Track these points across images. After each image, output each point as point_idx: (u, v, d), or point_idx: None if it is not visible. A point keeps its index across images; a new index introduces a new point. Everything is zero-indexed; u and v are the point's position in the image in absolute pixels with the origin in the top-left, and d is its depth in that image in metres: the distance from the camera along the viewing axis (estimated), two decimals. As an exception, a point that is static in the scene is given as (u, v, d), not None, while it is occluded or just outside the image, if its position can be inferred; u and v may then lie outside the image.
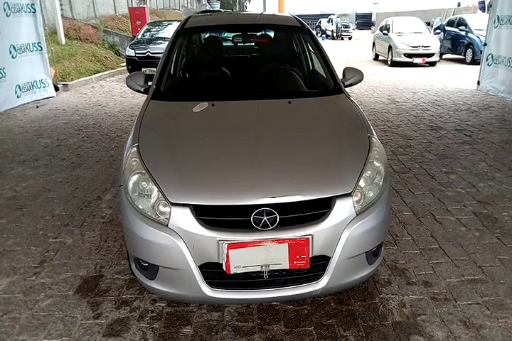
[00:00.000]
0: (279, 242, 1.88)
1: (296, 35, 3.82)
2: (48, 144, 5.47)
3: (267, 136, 2.34)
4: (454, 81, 10.52)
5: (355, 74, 3.16)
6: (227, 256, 1.87)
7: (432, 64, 13.85)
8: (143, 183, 2.05)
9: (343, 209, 1.98)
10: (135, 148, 2.23)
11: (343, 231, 1.97)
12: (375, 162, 2.20)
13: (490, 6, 9.05)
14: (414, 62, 13.50)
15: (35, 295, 2.46)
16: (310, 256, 1.93)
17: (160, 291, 2.09)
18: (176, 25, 11.64)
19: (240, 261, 1.89)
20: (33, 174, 4.40)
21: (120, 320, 2.25)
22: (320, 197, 1.96)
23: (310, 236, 1.91)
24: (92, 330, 2.18)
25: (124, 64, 12.16)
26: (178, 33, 3.36)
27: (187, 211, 1.91)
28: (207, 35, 4.18)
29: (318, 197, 1.96)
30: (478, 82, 9.32)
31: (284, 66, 3.50)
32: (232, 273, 1.91)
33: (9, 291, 2.49)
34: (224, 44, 4.16)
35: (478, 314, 2.31)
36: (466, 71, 12.24)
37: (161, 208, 1.97)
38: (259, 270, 1.93)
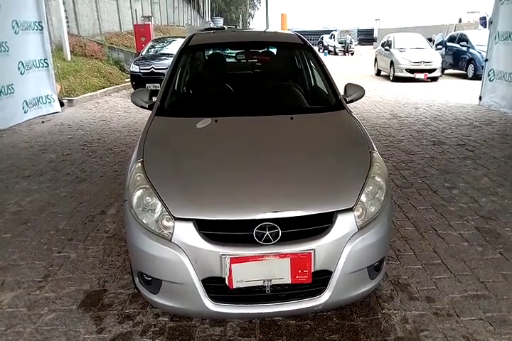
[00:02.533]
0: (281, 257, 1.90)
1: (298, 52, 3.90)
2: (53, 159, 5.53)
3: (269, 152, 2.38)
4: (456, 96, 10.58)
5: (356, 91, 3.22)
6: (230, 271, 1.89)
7: (434, 79, 13.97)
8: (147, 198, 2.08)
9: (344, 224, 2.00)
10: (139, 164, 2.28)
11: (344, 245, 1.99)
12: (376, 177, 2.23)
13: (491, 22, 9.16)
14: (416, 77, 13.62)
15: (39, 309, 2.47)
16: (312, 270, 1.95)
17: (163, 305, 2.10)
18: (179, 41, 11.92)
19: (243, 276, 1.91)
20: (37, 189, 4.44)
21: (123, 335, 2.26)
22: (322, 212, 1.99)
23: (312, 251, 1.92)
24: (95, 345, 2.19)
25: (129, 80, 12.31)
26: (182, 51, 3.44)
27: (190, 225, 1.94)
28: (210, 52, 4.26)
29: (320, 212, 1.99)
30: (480, 97, 9.36)
31: (286, 82, 3.57)
32: (234, 287, 1.93)
33: (13, 305, 2.51)
34: (227, 60, 4.24)
35: (481, 330, 2.30)
36: (468, 86, 12.30)
37: (165, 223, 2.00)
38: (262, 284, 1.95)
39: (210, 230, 1.95)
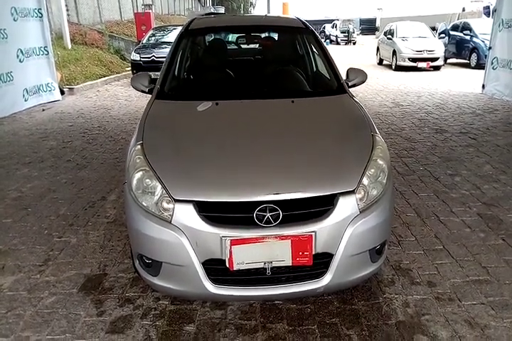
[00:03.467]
0: (282, 239, 1.89)
1: (300, 37, 3.84)
2: (54, 146, 5.51)
3: (270, 135, 2.36)
4: (459, 85, 10.49)
5: (358, 75, 3.17)
6: (230, 253, 1.87)
7: (437, 68, 13.82)
8: (147, 180, 2.06)
9: (346, 207, 1.98)
10: (139, 146, 2.25)
11: (346, 228, 1.97)
12: (378, 160, 2.21)
13: (495, 10, 9.04)
14: (419, 66, 13.48)
15: (39, 292, 2.47)
16: (313, 253, 1.93)
17: (163, 288, 2.09)
18: (180, 29, 11.78)
19: (243, 258, 1.90)
20: (38, 175, 4.43)
21: (123, 318, 2.26)
22: (323, 194, 1.97)
23: (313, 233, 1.91)
24: (96, 327, 2.18)
25: (129, 68, 12.24)
26: (182, 35, 3.39)
27: (190, 207, 1.92)
28: (211, 37, 4.21)
29: (321, 194, 1.96)
30: (483, 86, 9.27)
31: (288, 67, 3.52)
32: (235, 269, 1.92)
33: (14, 289, 2.50)
34: (228, 48, 4.18)
35: (483, 314, 2.29)
36: (471, 75, 12.18)
37: (165, 205, 1.98)
38: (262, 266, 1.93)
39: (211, 212, 1.93)
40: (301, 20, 3.59)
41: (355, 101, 2.87)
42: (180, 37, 3.37)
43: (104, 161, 4.90)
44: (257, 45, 3.98)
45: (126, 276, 2.62)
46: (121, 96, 9.47)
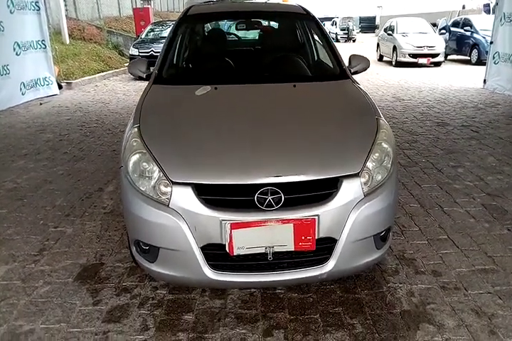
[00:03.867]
0: (284, 222, 1.82)
1: (302, 23, 3.76)
2: (51, 139, 5.44)
3: (271, 118, 2.28)
4: (460, 80, 10.43)
5: (360, 62, 3.10)
6: (230, 237, 1.80)
7: (437, 64, 13.73)
8: (143, 163, 1.99)
9: (350, 190, 1.91)
10: (136, 129, 2.18)
11: (350, 212, 1.90)
12: (383, 143, 2.14)
13: (497, 3, 8.96)
14: (419, 62, 13.40)
15: (33, 282, 2.40)
16: (316, 237, 1.86)
17: (160, 274, 2.02)
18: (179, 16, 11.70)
19: (244, 242, 1.83)
20: (34, 167, 4.36)
21: (120, 307, 2.19)
22: (326, 177, 1.90)
23: (316, 217, 1.84)
24: (92, 316, 2.12)
25: (128, 63, 12.15)
26: (180, 20, 3.32)
27: (188, 190, 1.85)
28: (210, 26, 4.14)
29: (324, 177, 1.90)
30: (485, 81, 9.21)
31: (290, 53, 3.44)
32: (235, 254, 1.85)
33: (7, 278, 2.43)
34: (228, 38, 4.10)
35: (490, 303, 2.23)
36: (472, 71, 12.09)
37: (162, 188, 1.91)
38: (264, 251, 1.86)
39: (210, 195, 1.86)
40: (302, 7, 3.52)
41: (358, 86, 2.80)
42: (179, 23, 3.30)
43: (102, 153, 4.82)
44: (258, 31, 3.90)
45: (123, 266, 2.55)
46: (120, 91, 9.39)
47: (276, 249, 1.86)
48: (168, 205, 1.88)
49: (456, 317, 2.13)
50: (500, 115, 6.66)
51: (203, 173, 1.89)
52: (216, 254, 1.90)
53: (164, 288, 2.33)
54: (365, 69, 3.14)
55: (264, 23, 3.89)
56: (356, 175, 1.95)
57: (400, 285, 2.39)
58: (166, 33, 11.86)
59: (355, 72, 3.06)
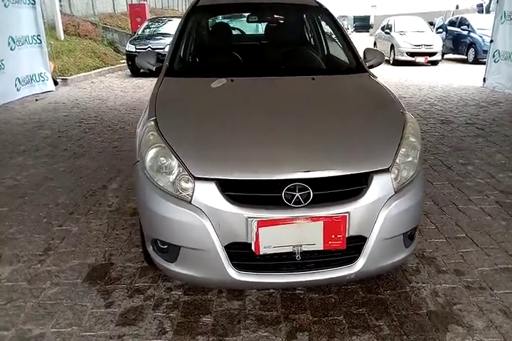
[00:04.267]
0: (314, 220, 1.72)
1: (315, 16, 3.66)
2: (49, 135, 5.30)
3: (294, 111, 2.18)
4: (458, 79, 10.39)
5: (376, 56, 3.00)
6: (257, 235, 1.70)
7: (434, 63, 13.70)
8: (161, 158, 1.88)
9: (381, 186, 1.82)
10: (152, 122, 2.06)
11: (380, 209, 1.81)
12: (410, 138, 2.05)
13: (497, 1, 8.92)
14: (417, 61, 13.35)
15: (40, 283, 2.28)
16: (346, 235, 1.77)
17: (180, 275, 1.91)
18: (176, 21, 11.57)
19: (271, 241, 1.72)
20: (34, 164, 4.22)
21: (134, 309, 2.08)
22: (357, 173, 1.81)
23: (347, 214, 1.74)
24: (105, 319, 2.00)
25: (124, 61, 12.01)
26: (190, 11, 3.20)
27: (212, 186, 1.75)
28: (219, 19, 4.02)
29: (355, 172, 1.80)
30: (484, 79, 9.16)
31: (304, 45, 3.34)
32: (261, 253, 1.74)
33: (13, 279, 2.31)
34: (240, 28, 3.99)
35: (518, 303, 2.15)
36: (469, 70, 12.10)
37: (183, 184, 1.80)
38: (291, 251, 1.76)
39: (235, 191, 1.76)
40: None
41: (378, 80, 2.72)
42: (188, 14, 3.18)
43: (103, 150, 4.69)
44: (271, 23, 3.78)
45: (134, 266, 2.44)
46: (117, 88, 9.23)
47: (304, 248, 1.76)
48: (190, 202, 1.77)
49: (484, 318, 2.05)
50: (503, 113, 6.62)
51: (227, 168, 1.78)
52: (241, 253, 1.80)
53: (179, 289, 2.23)
54: (380, 64, 3.05)
55: (276, 15, 3.77)
56: (387, 171, 1.85)
57: (423, 285, 2.31)
58: (162, 29, 11.73)
59: (371, 66, 2.97)
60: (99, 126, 5.81)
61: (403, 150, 1.97)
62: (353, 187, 1.81)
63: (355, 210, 1.76)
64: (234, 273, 1.79)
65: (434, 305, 2.15)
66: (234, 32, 3.65)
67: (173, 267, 1.90)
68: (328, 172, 1.77)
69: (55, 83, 8.75)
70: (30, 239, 2.74)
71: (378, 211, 1.81)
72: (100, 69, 11.39)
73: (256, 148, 1.88)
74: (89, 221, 3.00)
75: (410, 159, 1.99)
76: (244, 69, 2.79)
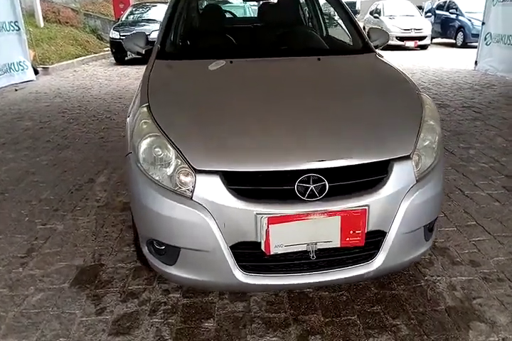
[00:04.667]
0: (330, 215, 1.53)
1: None
2: (30, 127, 5.02)
3: (303, 94, 1.98)
4: (449, 62, 10.33)
5: (380, 36, 2.81)
6: (267, 233, 1.51)
7: (424, 47, 13.65)
8: (156, 149, 1.66)
9: (402, 175, 1.64)
10: (145, 109, 1.84)
11: (402, 200, 1.63)
12: (430, 121, 1.87)
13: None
14: (406, 45, 13.25)
15: (23, 289, 2.07)
16: (366, 230, 1.59)
17: (181, 278, 1.72)
18: (160, 7, 11.18)
19: (283, 239, 1.54)
20: (14, 157, 3.96)
21: (128, 315, 1.88)
22: (377, 161, 1.62)
23: (366, 207, 1.56)
24: (96, 328, 1.81)
25: (108, 48, 11.64)
26: None
27: (216, 179, 1.55)
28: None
29: (375, 160, 1.62)
30: (476, 62, 9.08)
31: (307, 25, 3.13)
32: (272, 253, 1.56)
33: (-8, 285, 2.10)
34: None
35: (541, 295, 2.01)
36: (459, 54, 12.02)
37: (182, 178, 1.60)
38: (305, 249, 1.58)
39: (241, 184, 1.56)
40: None
41: (387, 60, 2.53)
42: None
43: (89, 141, 4.45)
44: (265, 4, 3.54)
45: (126, 266, 2.24)
46: (101, 76, 8.89)
47: (320, 246, 1.58)
48: (191, 198, 1.57)
49: (507, 313, 1.91)
50: (498, 96, 6.55)
51: (232, 159, 1.58)
52: (248, 254, 1.62)
53: (177, 291, 2.04)
54: (385, 44, 2.87)
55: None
56: (408, 158, 1.67)
57: (439, 278, 2.16)
58: (147, 15, 11.35)
59: (376, 47, 2.77)
60: (83, 116, 5.54)
61: (423, 134, 1.78)
62: (373, 176, 1.63)
63: (375, 202, 1.58)
64: (241, 276, 1.60)
65: (452, 299, 2.00)
66: (229, 11, 3.39)
67: (173, 270, 1.70)
68: (345, 161, 1.58)
69: (36, 72, 8.40)
70: (11, 239, 2.52)
71: (399, 202, 1.63)
72: (83, 58, 11.00)
73: (264, 135, 1.68)
74: (75, 218, 2.78)
75: (431, 144, 1.81)
76: (244, 50, 2.58)
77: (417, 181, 1.69)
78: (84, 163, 3.80)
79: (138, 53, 2.64)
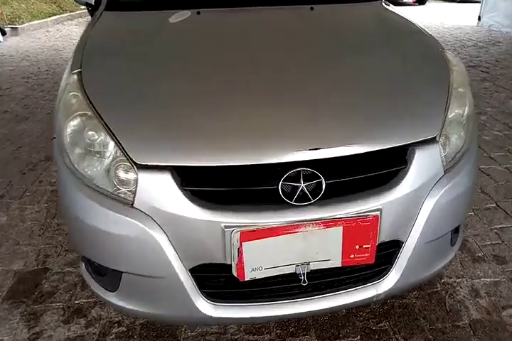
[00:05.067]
0: (328, 225, 1.09)
1: None
2: (-13, 94, 4.46)
3: (291, 56, 1.48)
4: (450, 18, 9.81)
5: None
6: (240, 253, 1.07)
7: (422, 2, 13.10)
8: (89, 133, 1.18)
9: (425, 165, 1.19)
10: (75, 76, 1.35)
11: (425, 198, 1.19)
12: (460, 88, 1.39)
13: None
14: (404, 0, 12.49)
15: None
16: (377, 243, 1.16)
17: (125, 310, 1.28)
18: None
19: (261, 260, 1.10)
20: (-36, 131, 3.46)
21: (70, 342, 1.49)
22: (393, 146, 1.15)
23: (378, 213, 1.11)
24: (26, 363, 1.42)
25: (84, 7, 10.71)
26: None
27: (166, 178, 1.09)
28: None
29: (390, 146, 1.15)
30: (479, 17, 8.60)
31: None
32: (247, 279, 1.13)
33: None
34: None
35: None
36: (459, 9, 11.43)
37: (121, 174, 1.13)
38: (293, 271, 1.15)
39: (202, 185, 1.11)
40: None
41: (395, 10, 2.02)
42: None
43: (51, 111, 3.90)
44: None
45: (75, 271, 1.82)
46: (76, 37, 8.13)
47: (314, 267, 1.15)
48: (132, 204, 1.12)
49: (548, 329, 1.54)
50: (504, 53, 6.13)
51: (189, 150, 1.11)
52: (216, 278, 1.19)
53: (135, 306, 1.64)
54: None
55: None
56: (433, 140, 1.21)
57: (458, 281, 1.78)
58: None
59: None
60: (50, 81, 4.96)
61: (452, 107, 1.31)
62: (386, 169, 1.16)
63: (389, 205, 1.13)
64: (206, 307, 1.17)
65: (476, 310, 1.63)
66: None
67: (115, 299, 1.26)
68: (348, 148, 1.11)
69: (3, 33, 7.64)
70: None
71: (422, 201, 1.19)
72: (57, 16, 10.11)
73: (233, 116, 1.20)
74: (23, 207, 2.34)
75: (462, 120, 1.34)
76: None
77: (445, 172, 1.23)
78: (42, 137, 3.31)
79: (86, 4, 2.11)
